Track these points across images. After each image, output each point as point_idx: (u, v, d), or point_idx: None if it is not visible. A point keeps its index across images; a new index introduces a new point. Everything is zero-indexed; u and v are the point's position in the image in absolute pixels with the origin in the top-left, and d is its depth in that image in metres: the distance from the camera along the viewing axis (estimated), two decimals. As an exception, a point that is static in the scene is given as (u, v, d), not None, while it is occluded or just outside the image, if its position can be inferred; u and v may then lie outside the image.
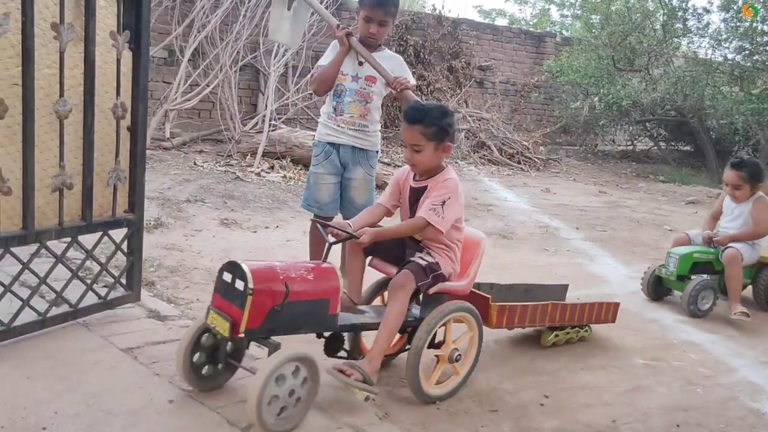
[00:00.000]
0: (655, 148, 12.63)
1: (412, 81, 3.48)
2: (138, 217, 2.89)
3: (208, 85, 7.76)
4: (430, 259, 2.56)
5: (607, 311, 3.39)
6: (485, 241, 2.79)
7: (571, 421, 2.52)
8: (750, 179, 4.12)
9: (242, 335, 2.10)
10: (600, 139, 12.97)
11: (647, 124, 12.28)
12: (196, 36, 7.87)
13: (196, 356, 2.27)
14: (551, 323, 3.12)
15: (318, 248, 3.61)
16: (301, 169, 7.25)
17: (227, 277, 2.15)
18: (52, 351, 2.51)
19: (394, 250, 2.64)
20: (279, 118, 8.20)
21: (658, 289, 4.24)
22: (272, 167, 7.26)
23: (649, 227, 6.72)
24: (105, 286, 2.91)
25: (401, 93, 3.29)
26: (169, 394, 2.28)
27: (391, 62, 3.41)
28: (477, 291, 2.92)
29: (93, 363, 2.45)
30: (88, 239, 2.76)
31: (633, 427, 2.52)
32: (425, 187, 2.61)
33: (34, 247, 2.56)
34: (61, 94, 2.45)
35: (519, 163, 9.95)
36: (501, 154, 10.01)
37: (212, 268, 3.91)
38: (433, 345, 2.58)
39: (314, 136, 3.68)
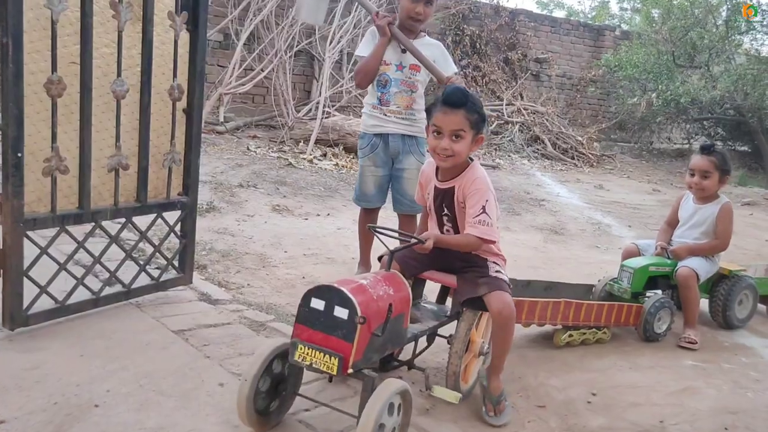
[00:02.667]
0: (713, 147, 12.17)
1: (455, 68, 3.33)
2: (192, 200, 2.85)
3: (262, 70, 7.75)
4: (501, 270, 2.38)
5: (629, 314, 3.16)
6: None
7: (618, 420, 2.45)
8: (721, 167, 3.47)
9: (351, 371, 1.84)
10: (656, 137, 12.54)
11: (705, 122, 11.88)
12: (251, 20, 7.85)
13: (262, 392, 1.96)
14: (564, 322, 2.94)
15: (367, 238, 3.55)
16: (353, 158, 7.17)
17: (317, 304, 1.86)
18: (105, 330, 2.51)
19: (439, 259, 2.41)
20: (332, 106, 8.14)
21: None
22: (325, 155, 7.21)
23: (706, 229, 6.42)
24: (158, 268, 2.89)
25: None
26: (220, 377, 2.24)
27: (433, 50, 3.25)
28: None
29: (145, 343, 2.44)
30: (141, 221, 2.74)
31: (681, 428, 2.44)
32: (452, 189, 2.33)
33: (88, 227, 2.55)
34: (119, 74, 2.41)
35: (572, 158, 9.69)
36: (554, 149, 9.76)
37: (264, 253, 3.88)
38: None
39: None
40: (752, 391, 2.84)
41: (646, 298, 3.37)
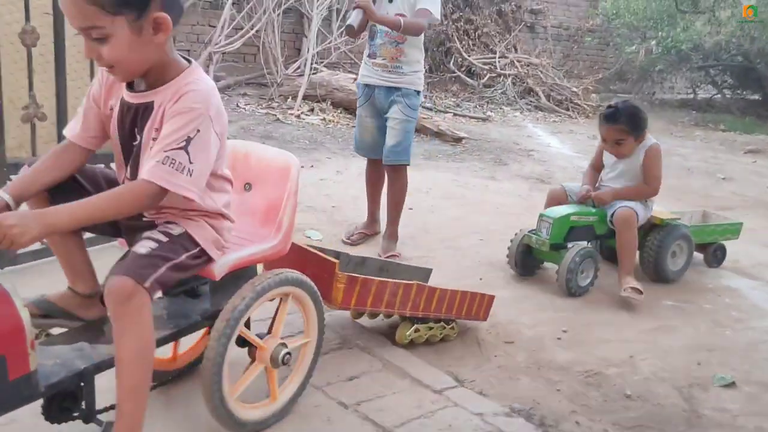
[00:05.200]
0: (719, 96, 11.30)
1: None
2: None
3: (252, 28, 7.29)
4: (161, 238, 1.42)
5: (480, 305, 2.39)
6: (297, 166, 1.69)
7: (587, 355, 2.31)
8: (633, 129, 2.92)
9: None
10: (659, 87, 11.73)
11: (711, 70, 10.91)
12: (240, -21, 7.34)
13: None
14: (413, 311, 2.15)
15: (373, 192, 3.44)
16: (341, 113, 6.80)
17: None
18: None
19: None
20: (321, 62, 7.67)
21: (527, 261, 3.03)
22: (312, 110, 6.83)
23: (701, 175, 5.96)
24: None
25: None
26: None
27: None
28: (313, 249, 1.96)
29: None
30: None
31: (651, 363, 2.28)
32: (150, 105, 1.40)
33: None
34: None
35: (567, 109, 9.10)
36: (549, 101, 9.18)
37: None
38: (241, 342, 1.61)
39: (354, 79, 3.35)
40: (732, 329, 2.64)
41: (567, 249, 2.89)
